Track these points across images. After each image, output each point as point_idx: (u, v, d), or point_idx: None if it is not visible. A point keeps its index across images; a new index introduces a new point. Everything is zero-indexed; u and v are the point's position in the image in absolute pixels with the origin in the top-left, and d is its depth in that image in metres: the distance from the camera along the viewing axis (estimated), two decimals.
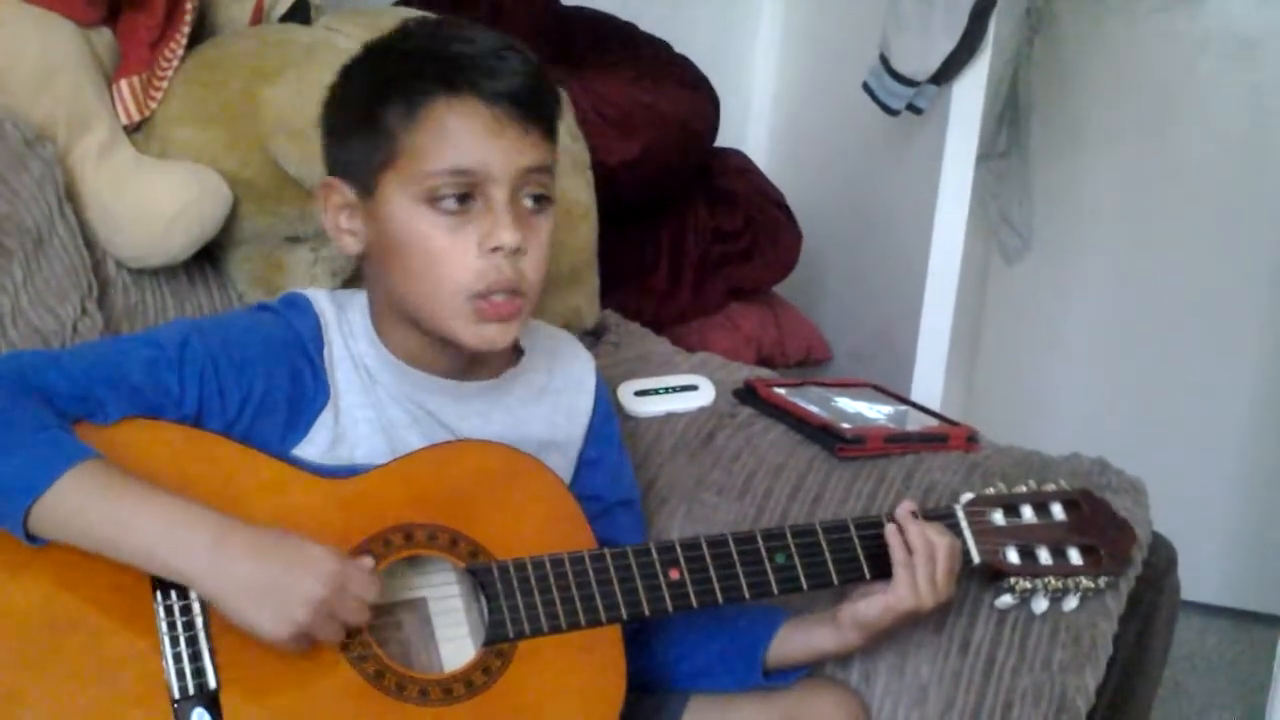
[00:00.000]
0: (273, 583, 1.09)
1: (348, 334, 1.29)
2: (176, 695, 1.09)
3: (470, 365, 1.33)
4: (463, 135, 1.20)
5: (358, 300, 1.32)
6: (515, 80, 1.22)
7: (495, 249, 1.21)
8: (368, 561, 1.16)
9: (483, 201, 1.22)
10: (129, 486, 1.09)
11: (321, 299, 1.31)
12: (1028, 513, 1.41)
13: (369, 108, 1.23)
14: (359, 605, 1.13)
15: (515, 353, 1.37)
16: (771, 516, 1.57)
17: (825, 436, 1.63)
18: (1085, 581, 1.39)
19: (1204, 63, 2.90)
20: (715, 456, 1.65)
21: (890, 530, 1.33)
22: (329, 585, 1.10)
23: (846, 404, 1.75)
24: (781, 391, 1.73)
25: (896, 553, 1.31)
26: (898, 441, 1.63)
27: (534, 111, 1.24)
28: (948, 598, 1.33)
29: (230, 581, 1.08)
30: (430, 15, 1.37)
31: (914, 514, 1.34)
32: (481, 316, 1.23)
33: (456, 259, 1.21)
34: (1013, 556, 1.38)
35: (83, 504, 1.07)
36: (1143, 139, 2.97)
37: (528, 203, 1.24)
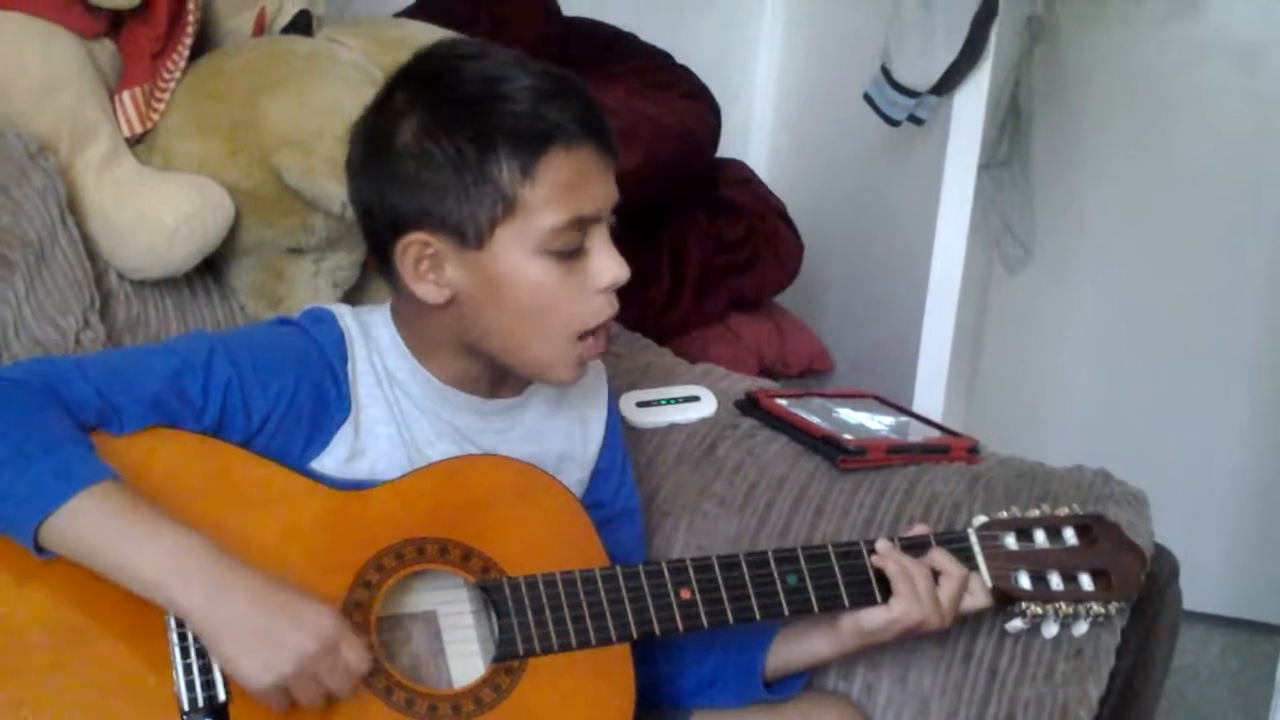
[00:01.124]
0: (266, 630, 1.08)
1: (373, 349, 1.29)
2: (186, 707, 1.09)
3: (499, 386, 1.34)
4: (580, 185, 1.22)
5: (380, 315, 1.32)
6: (595, 113, 1.24)
7: (610, 285, 1.24)
8: (365, 638, 1.15)
9: (588, 239, 1.23)
10: (141, 514, 1.09)
11: (345, 314, 1.31)
12: (1040, 537, 1.40)
13: (474, 165, 1.20)
14: (345, 674, 1.11)
15: None
16: (774, 528, 1.57)
17: (827, 448, 1.63)
18: (1096, 607, 1.38)
19: (1205, 72, 2.91)
20: (717, 468, 1.65)
21: (884, 547, 1.33)
22: (321, 644, 1.09)
23: (848, 415, 1.75)
24: (783, 403, 1.73)
25: (892, 567, 1.31)
26: (900, 453, 1.63)
27: (610, 138, 1.26)
28: (952, 622, 1.33)
29: (225, 623, 1.07)
30: (447, 37, 1.36)
31: (892, 541, 1.34)
32: (583, 356, 1.27)
33: (572, 301, 1.23)
34: (1024, 582, 1.38)
35: (94, 526, 1.07)
36: (1144, 148, 2.97)
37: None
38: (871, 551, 1.33)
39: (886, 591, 1.32)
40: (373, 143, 1.26)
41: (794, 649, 1.38)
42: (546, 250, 1.21)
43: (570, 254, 1.22)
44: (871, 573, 1.32)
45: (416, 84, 1.26)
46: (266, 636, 1.08)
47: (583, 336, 1.25)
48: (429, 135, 1.22)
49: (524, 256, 1.22)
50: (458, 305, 1.25)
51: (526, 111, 1.20)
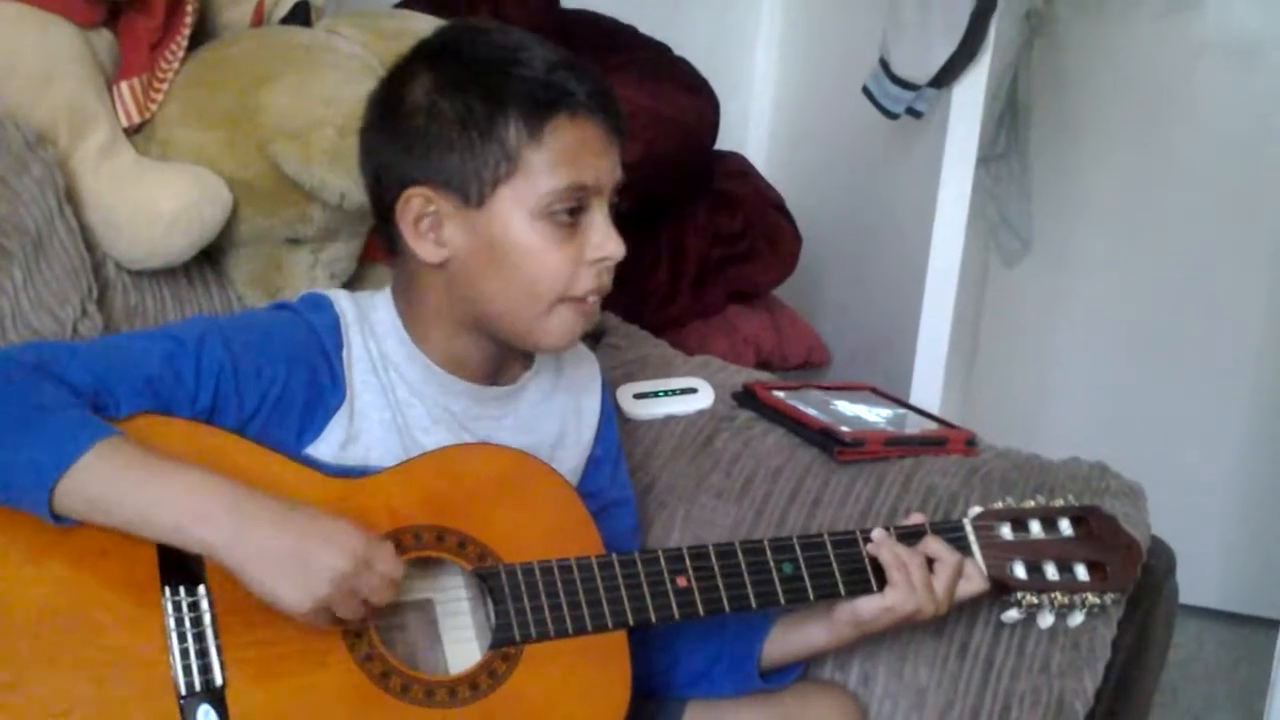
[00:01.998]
0: (295, 552, 1.09)
1: (369, 334, 1.30)
2: (183, 691, 1.09)
3: (497, 371, 1.35)
4: (582, 152, 1.24)
5: (380, 300, 1.33)
6: (610, 94, 1.27)
7: (603, 258, 1.26)
8: (390, 544, 1.16)
9: (588, 212, 1.26)
10: (153, 461, 1.10)
11: (342, 299, 1.31)
12: (1035, 528, 1.41)
13: (481, 121, 1.23)
14: (383, 583, 1.12)
15: (527, 358, 1.38)
16: (770, 519, 1.57)
17: (824, 439, 1.63)
18: (1091, 598, 1.39)
19: (1203, 67, 2.91)
20: (714, 459, 1.65)
21: (879, 536, 1.33)
22: (353, 559, 1.10)
23: (845, 407, 1.75)
24: (780, 394, 1.73)
25: (886, 556, 1.32)
26: (897, 445, 1.64)
27: (621, 122, 1.29)
28: (947, 609, 1.33)
29: (254, 549, 1.08)
30: (473, 22, 1.38)
31: (888, 531, 1.34)
32: (568, 315, 1.28)
33: (563, 269, 1.25)
34: (1020, 571, 1.38)
35: (108, 480, 1.08)
36: (1142, 142, 2.97)
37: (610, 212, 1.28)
38: (867, 540, 1.33)
39: (883, 580, 1.32)
40: (385, 103, 1.29)
41: (791, 638, 1.38)
42: (544, 214, 1.24)
43: (568, 222, 1.25)
44: (867, 561, 1.33)
45: (433, 50, 1.29)
46: (299, 561, 1.08)
47: (565, 300, 1.27)
48: (440, 92, 1.25)
49: (523, 218, 1.24)
50: (453, 266, 1.27)
51: (538, 78, 1.24)
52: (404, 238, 1.27)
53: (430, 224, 1.26)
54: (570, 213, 1.25)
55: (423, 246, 1.26)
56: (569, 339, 1.31)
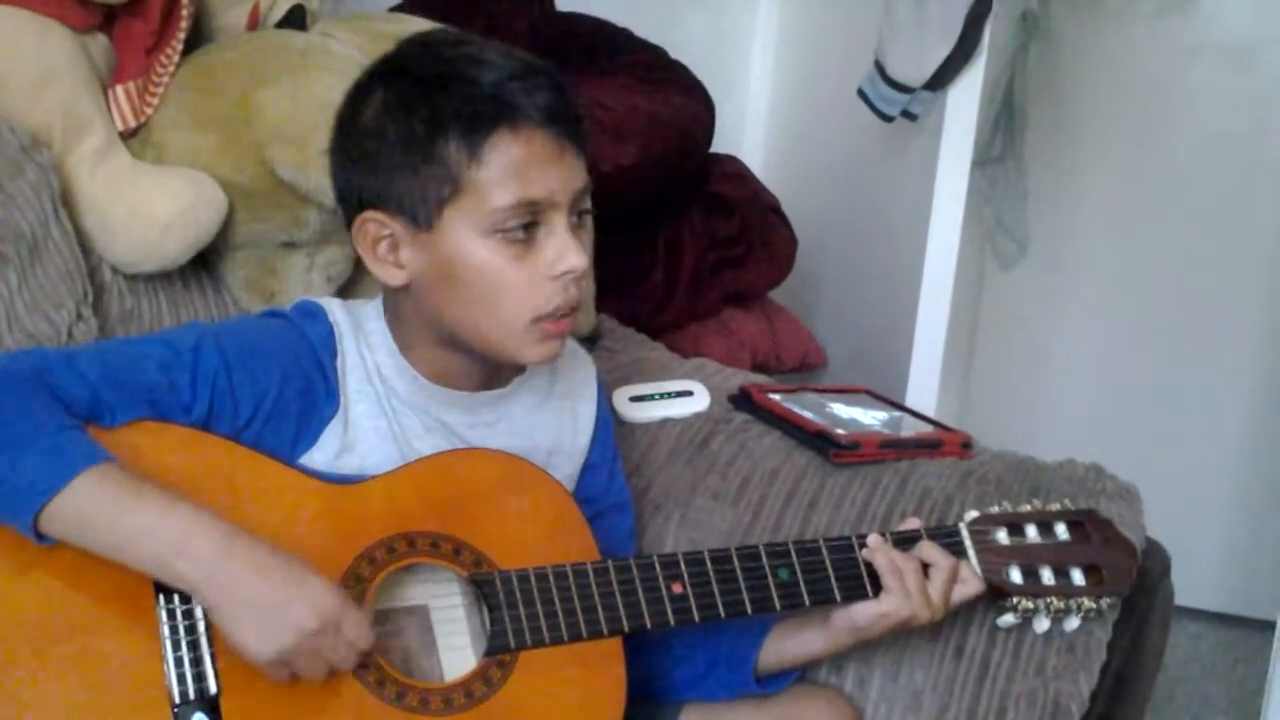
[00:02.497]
0: (270, 604, 1.09)
1: (363, 344, 1.29)
2: (177, 700, 1.09)
3: (487, 379, 1.34)
4: (529, 167, 1.21)
5: (372, 310, 1.32)
6: (561, 102, 1.23)
7: (564, 273, 1.23)
8: (367, 612, 1.15)
9: (545, 226, 1.23)
10: (142, 491, 1.09)
11: (335, 308, 1.31)
12: (1032, 532, 1.41)
13: (423, 144, 1.20)
14: (348, 650, 1.12)
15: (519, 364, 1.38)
16: (766, 522, 1.57)
17: (820, 442, 1.63)
18: (1087, 602, 1.39)
19: (1199, 69, 2.91)
20: (710, 462, 1.65)
21: (874, 541, 1.33)
22: (322, 620, 1.10)
23: (841, 410, 1.75)
24: (776, 397, 1.73)
25: (881, 561, 1.32)
26: (892, 447, 1.64)
27: (577, 130, 1.25)
28: (943, 615, 1.33)
29: (228, 595, 1.08)
30: (437, 29, 1.36)
31: (884, 537, 1.34)
32: (545, 336, 1.25)
33: (524, 286, 1.22)
34: (1015, 576, 1.38)
35: (95, 507, 1.07)
36: (1138, 144, 2.97)
37: (574, 220, 1.25)
38: (862, 545, 1.33)
39: (878, 587, 1.32)
40: (343, 122, 1.28)
41: (787, 645, 1.38)
42: (495, 231, 1.21)
43: (522, 239, 1.22)
44: (863, 567, 1.33)
45: (387, 68, 1.27)
46: (270, 610, 1.08)
47: (538, 320, 1.24)
48: (388, 113, 1.23)
49: (473, 237, 1.22)
50: (416, 288, 1.26)
51: (480, 95, 1.20)
52: (365, 260, 1.27)
53: (388, 246, 1.25)
54: (525, 228, 1.22)
55: (383, 270, 1.26)
56: (551, 354, 1.28)
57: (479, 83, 1.21)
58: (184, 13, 1.62)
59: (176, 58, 1.62)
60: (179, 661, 1.10)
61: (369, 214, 1.24)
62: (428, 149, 1.21)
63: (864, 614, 1.31)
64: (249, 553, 1.10)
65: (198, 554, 1.08)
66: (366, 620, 1.13)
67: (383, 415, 1.28)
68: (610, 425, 1.48)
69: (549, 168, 1.22)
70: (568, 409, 1.42)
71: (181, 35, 1.62)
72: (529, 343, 1.25)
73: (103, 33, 1.59)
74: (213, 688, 1.10)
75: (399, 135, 1.22)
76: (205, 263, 1.65)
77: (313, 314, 1.29)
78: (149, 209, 1.54)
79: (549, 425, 1.39)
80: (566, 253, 1.22)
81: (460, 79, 1.22)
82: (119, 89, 1.59)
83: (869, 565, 1.33)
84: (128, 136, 1.61)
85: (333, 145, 1.29)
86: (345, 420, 1.27)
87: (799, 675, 1.42)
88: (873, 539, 1.33)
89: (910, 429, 1.72)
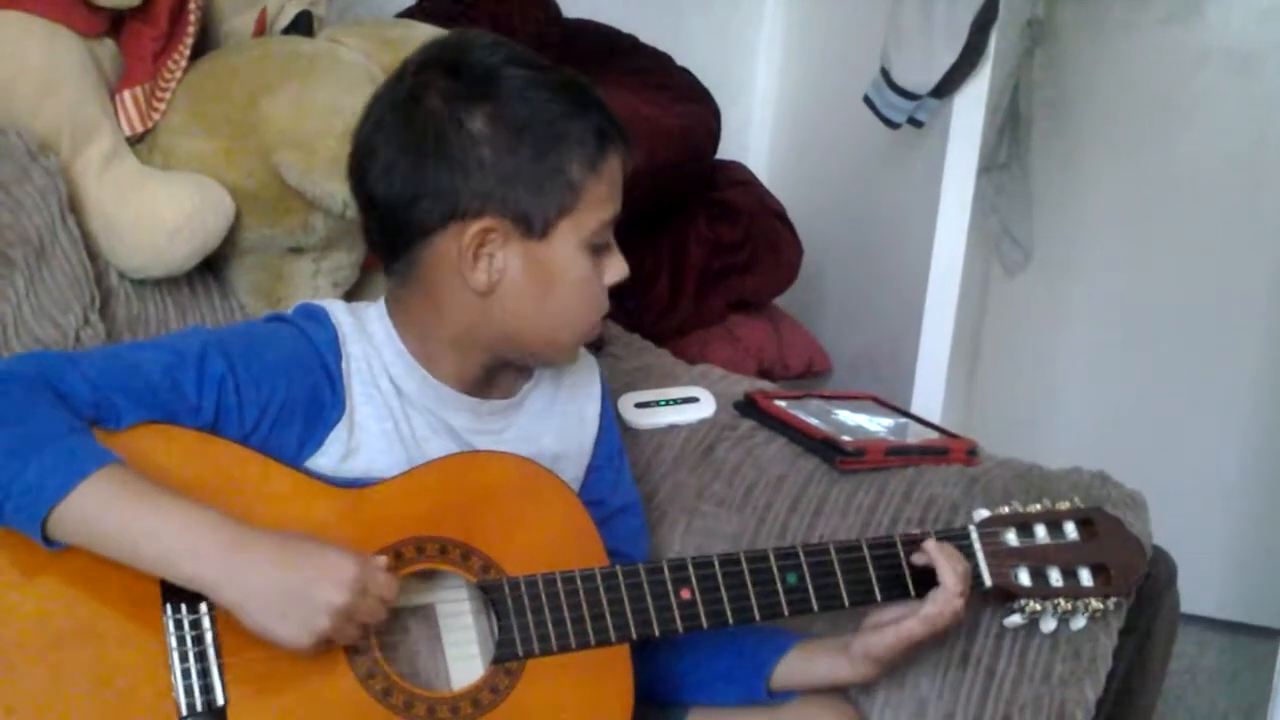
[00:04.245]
0: (294, 591, 1.09)
1: (368, 345, 1.29)
2: (184, 710, 1.09)
3: (493, 384, 1.35)
4: (617, 185, 1.30)
5: (375, 312, 1.32)
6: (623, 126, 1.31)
7: (615, 282, 1.32)
8: (382, 560, 1.16)
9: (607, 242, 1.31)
10: (150, 493, 1.09)
11: (339, 311, 1.31)
12: (1041, 532, 1.41)
13: (549, 155, 1.24)
14: (379, 606, 1.13)
15: (526, 370, 1.38)
16: (772, 529, 1.57)
17: (826, 449, 1.63)
18: (1094, 603, 1.39)
19: (1204, 76, 2.91)
20: (716, 469, 1.65)
21: (932, 546, 1.33)
22: (351, 591, 1.10)
23: (847, 416, 1.75)
24: (782, 404, 1.73)
25: (940, 559, 1.32)
26: (898, 454, 1.63)
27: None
28: (959, 621, 1.34)
29: (250, 590, 1.08)
30: (475, 31, 1.35)
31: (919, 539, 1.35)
32: (584, 340, 1.35)
33: (598, 295, 1.31)
34: (1024, 578, 1.38)
35: (104, 510, 1.07)
36: (1143, 151, 2.97)
37: None
38: (874, 548, 1.33)
39: (887, 591, 1.32)
40: (426, 128, 1.24)
41: (804, 670, 1.37)
42: (589, 244, 1.28)
43: (600, 251, 1.29)
44: (872, 572, 1.33)
45: (484, 75, 1.25)
46: (297, 599, 1.09)
47: (593, 327, 1.33)
48: (504, 122, 1.24)
49: (575, 249, 1.27)
50: (497, 293, 1.27)
51: (593, 113, 1.27)
52: (447, 263, 1.25)
53: (486, 249, 1.25)
54: (605, 243, 1.30)
55: (475, 275, 1.25)
56: (577, 356, 1.38)
57: (599, 103, 1.28)
58: (191, 18, 1.62)
59: (184, 63, 1.63)
60: (186, 672, 1.10)
61: (475, 219, 1.23)
62: (556, 160, 1.24)
63: (884, 639, 1.31)
64: (259, 544, 1.10)
65: (208, 554, 1.08)
66: (388, 574, 1.14)
67: (389, 417, 1.28)
68: (615, 425, 1.49)
69: (620, 186, 1.30)
70: (573, 413, 1.42)
71: (189, 41, 1.62)
72: (572, 347, 1.34)
73: (110, 38, 1.60)
74: (220, 698, 1.10)
75: (522, 145, 1.24)
76: (212, 268, 1.65)
77: (316, 317, 1.29)
78: (156, 214, 1.54)
79: (555, 431, 1.40)
80: (621, 263, 1.31)
81: (584, 92, 1.28)
82: (126, 94, 1.60)
83: (879, 568, 1.32)
84: (135, 142, 1.61)
85: (402, 148, 1.25)
86: (351, 423, 1.26)
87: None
88: (929, 543, 1.33)
89: (916, 436, 1.72)
